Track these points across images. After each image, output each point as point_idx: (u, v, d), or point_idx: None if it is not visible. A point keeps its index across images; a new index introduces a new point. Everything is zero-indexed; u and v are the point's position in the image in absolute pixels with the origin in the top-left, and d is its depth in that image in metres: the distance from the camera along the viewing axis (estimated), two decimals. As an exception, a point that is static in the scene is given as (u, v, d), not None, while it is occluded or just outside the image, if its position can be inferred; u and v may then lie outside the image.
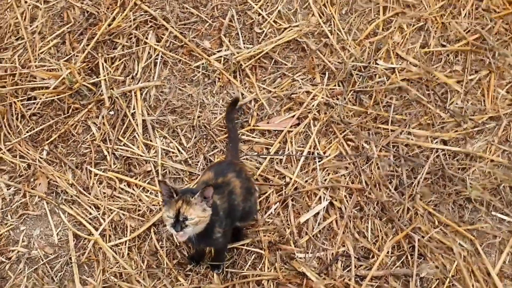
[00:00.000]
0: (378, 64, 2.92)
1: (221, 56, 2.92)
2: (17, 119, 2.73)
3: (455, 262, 2.42)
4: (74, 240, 2.49)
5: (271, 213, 2.55)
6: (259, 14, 3.02)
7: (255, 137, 2.73)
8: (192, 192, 1.99)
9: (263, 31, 3.00)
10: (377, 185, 2.62)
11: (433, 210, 2.55)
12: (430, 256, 2.43)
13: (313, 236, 2.49)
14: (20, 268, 2.43)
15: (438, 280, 2.39)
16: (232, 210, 2.21)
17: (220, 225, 2.13)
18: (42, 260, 2.44)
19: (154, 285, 2.38)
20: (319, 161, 2.67)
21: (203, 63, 2.89)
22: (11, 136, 2.70)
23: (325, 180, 2.63)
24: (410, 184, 2.61)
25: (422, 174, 2.62)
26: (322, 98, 2.83)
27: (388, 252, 2.45)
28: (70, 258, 2.45)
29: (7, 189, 2.59)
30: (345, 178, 2.64)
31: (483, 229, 2.51)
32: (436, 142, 2.72)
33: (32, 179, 2.61)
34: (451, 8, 3.04)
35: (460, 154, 2.68)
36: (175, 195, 1.98)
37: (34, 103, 2.75)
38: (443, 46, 2.96)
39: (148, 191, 2.59)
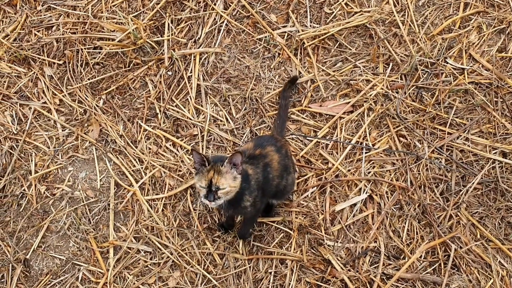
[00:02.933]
0: (447, 63, 2.77)
1: (285, 32, 2.88)
2: (81, 65, 2.85)
3: (491, 279, 2.30)
4: (114, 188, 2.58)
5: (307, 196, 2.51)
6: (332, -6, 2.95)
7: (305, 118, 2.69)
8: (222, 160, 2.01)
9: (333, 12, 2.92)
10: (422, 186, 2.51)
11: (477, 222, 2.42)
12: (465, 268, 2.32)
13: (345, 226, 2.44)
14: (62, 205, 2.56)
15: (468, 295, 2.28)
16: (266, 183, 2.20)
17: (250, 193, 2.13)
18: (83, 202, 2.56)
19: (181, 244, 2.44)
20: (366, 152, 2.60)
21: (266, 37, 2.87)
22: (73, 81, 2.82)
23: (369, 172, 2.55)
24: (458, 191, 2.48)
25: (473, 183, 2.48)
26: (382, 89, 2.73)
27: (420, 256, 2.36)
28: (108, 205, 2.55)
29: (62, 130, 2.73)
30: (390, 174, 2.55)
31: (528, 252, 2.36)
32: (495, 153, 2.56)
33: (86, 125, 2.73)
34: (540, 13, 2.82)
35: (519, 169, 2.52)
36: (206, 164, 2.00)
37: (99, 52, 2.85)
38: (524, 53, 2.76)
39: (191, 154, 2.63)
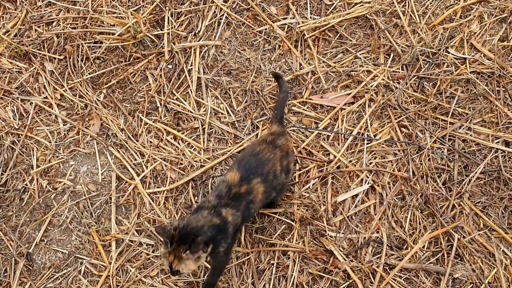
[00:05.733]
0: (448, 52, 2.76)
1: (285, 24, 2.87)
2: (82, 60, 2.85)
3: (494, 269, 2.28)
4: (116, 182, 2.58)
5: (309, 187, 2.51)
6: (332, -14, 2.94)
7: (306, 110, 2.68)
8: (184, 243, 1.90)
9: (333, 3, 2.91)
10: (424, 176, 2.50)
11: (480, 211, 2.40)
12: (468, 258, 2.31)
13: (347, 217, 2.43)
14: (64, 199, 2.56)
15: (472, 284, 2.27)
16: (246, 218, 2.14)
17: (225, 240, 2.04)
18: (85, 196, 2.56)
19: (183, 237, 2.43)
20: (367, 143, 2.59)
21: (266, 29, 2.86)
22: (74, 75, 2.82)
23: (370, 163, 2.54)
24: (460, 181, 2.47)
25: (476, 173, 2.47)
26: (383, 79, 2.72)
27: (423, 246, 2.35)
28: (110, 198, 2.55)
29: (63, 125, 2.73)
30: (392, 165, 2.54)
31: (532, 241, 2.34)
32: (498, 142, 2.54)
33: (87, 119, 2.73)
34: (542, 2, 2.80)
35: (522, 158, 2.50)
36: (169, 245, 1.91)
37: (99, 47, 2.85)
38: (525, 41, 2.75)
39: (192, 147, 2.63)
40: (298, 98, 2.72)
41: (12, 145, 2.67)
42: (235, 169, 2.14)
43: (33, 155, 2.65)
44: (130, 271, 2.39)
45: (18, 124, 2.73)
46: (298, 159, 2.55)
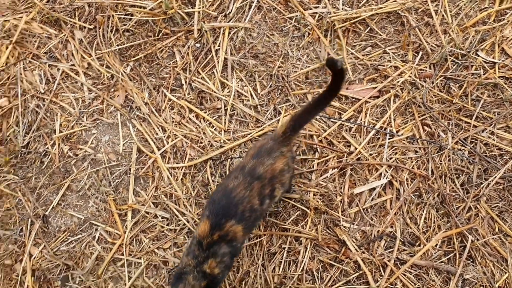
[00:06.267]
0: (478, 55, 2.73)
1: (316, 13, 2.86)
2: (111, 31, 2.87)
3: (506, 274, 2.28)
4: (136, 154, 2.61)
5: (327, 177, 2.51)
6: (366, -21, 2.92)
7: (330, 100, 2.68)
8: None
9: (366, -4, 2.90)
10: (443, 176, 2.49)
11: (496, 216, 2.39)
12: (480, 260, 2.30)
13: (363, 209, 2.44)
14: (84, 166, 2.59)
15: (482, 287, 2.26)
16: (234, 255, 2.07)
17: (221, 280, 2.00)
18: (105, 164, 2.59)
19: (198, 213, 2.45)
20: (389, 138, 2.58)
21: (296, 16, 2.86)
22: (102, 46, 2.84)
23: (391, 158, 2.54)
24: (479, 184, 2.46)
25: (495, 177, 2.46)
26: (409, 76, 2.71)
27: (436, 245, 2.35)
28: (130, 169, 2.57)
29: (89, 93, 2.75)
30: (412, 162, 2.53)
31: (546, 250, 2.33)
32: (520, 149, 2.53)
33: (112, 90, 2.75)
34: None
35: (544, 167, 2.48)
36: None
37: (129, 19, 2.87)
38: (557, 51, 2.71)
39: (213, 126, 2.65)
40: (323, 87, 2.71)
41: (36, 108, 2.71)
42: (205, 216, 1.98)
43: (57, 120, 2.68)
44: (144, 241, 2.42)
45: (44, 88, 2.76)
46: (318, 148, 2.56)
